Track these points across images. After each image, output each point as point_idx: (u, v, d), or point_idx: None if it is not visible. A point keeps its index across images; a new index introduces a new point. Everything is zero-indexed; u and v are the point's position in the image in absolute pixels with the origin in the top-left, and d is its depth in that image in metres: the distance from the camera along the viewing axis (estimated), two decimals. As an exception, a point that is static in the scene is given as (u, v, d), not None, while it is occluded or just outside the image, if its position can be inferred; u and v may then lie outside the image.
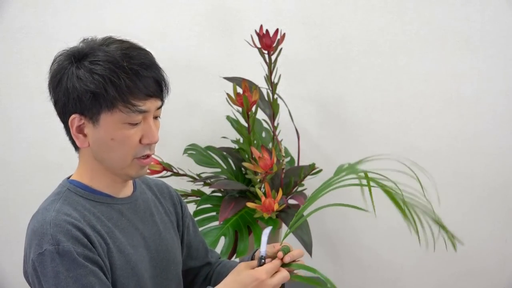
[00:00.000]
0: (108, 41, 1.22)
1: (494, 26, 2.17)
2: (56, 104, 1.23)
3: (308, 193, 2.07)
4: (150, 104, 1.21)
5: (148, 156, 1.24)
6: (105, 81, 1.16)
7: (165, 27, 2.22)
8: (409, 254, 2.35)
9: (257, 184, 1.92)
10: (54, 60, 1.23)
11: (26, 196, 2.31)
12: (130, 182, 1.32)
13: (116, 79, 1.16)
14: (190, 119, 2.29)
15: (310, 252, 1.88)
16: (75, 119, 1.20)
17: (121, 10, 2.22)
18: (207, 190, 2.04)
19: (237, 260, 1.53)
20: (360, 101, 2.25)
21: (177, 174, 1.99)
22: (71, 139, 1.26)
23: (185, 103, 2.28)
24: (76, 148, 1.27)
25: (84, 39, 1.25)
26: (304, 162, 2.07)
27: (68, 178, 1.29)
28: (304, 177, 1.95)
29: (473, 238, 2.32)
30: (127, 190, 1.31)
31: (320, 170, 1.95)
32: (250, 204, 1.82)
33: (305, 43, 2.23)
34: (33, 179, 2.31)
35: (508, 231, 2.31)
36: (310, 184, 2.09)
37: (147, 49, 1.28)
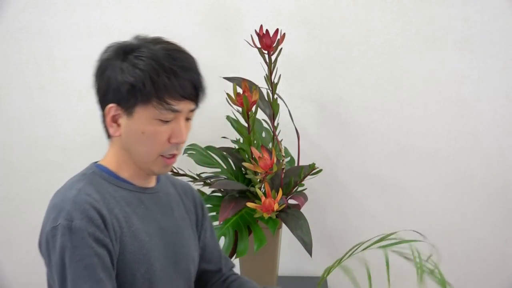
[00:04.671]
0: (157, 41, 1.29)
1: (494, 26, 2.17)
2: (97, 92, 1.29)
3: (308, 193, 2.07)
4: (184, 106, 1.26)
5: (173, 155, 1.30)
6: (144, 75, 1.21)
7: (165, 27, 2.22)
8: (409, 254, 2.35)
9: (257, 184, 1.92)
10: (106, 50, 1.29)
11: (26, 195, 2.31)
12: (154, 176, 1.37)
13: (155, 75, 1.21)
14: (190, 119, 2.29)
15: (310, 252, 1.88)
16: (111, 109, 1.26)
17: (121, 10, 2.22)
18: (207, 190, 2.04)
19: (251, 280, 1.56)
20: (360, 101, 2.25)
21: (177, 174, 1.99)
22: (105, 127, 1.31)
23: (185, 103, 2.28)
24: (108, 136, 1.32)
25: (136, 36, 1.31)
26: (304, 162, 2.07)
27: (95, 163, 1.34)
28: (304, 177, 1.95)
29: (473, 238, 2.32)
30: (150, 183, 1.36)
31: (320, 170, 1.95)
32: (250, 204, 1.82)
33: (305, 43, 2.23)
34: (33, 179, 2.32)
35: (508, 231, 2.31)
36: (310, 184, 2.09)
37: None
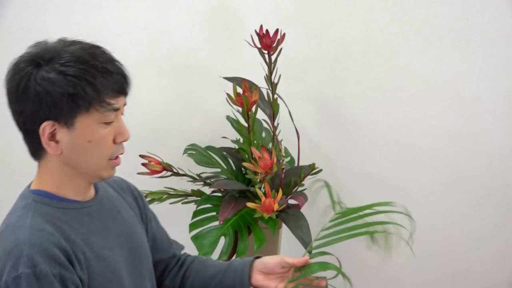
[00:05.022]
0: (67, 43, 1.20)
1: (494, 26, 2.17)
2: (21, 114, 1.17)
3: (308, 193, 2.07)
4: (121, 101, 1.21)
5: (118, 156, 1.24)
6: (81, 81, 1.14)
7: (165, 27, 2.22)
8: (409, 253, 2.35)
9: (257, 184, 1.92)
10: (11, 69, 1.18)
11: (26, 196, 2.31)
12: (92, 185, 1.30)
13: (92, 78, 1.14)
14: (190, 119, 2.29)
15: (310, 252, 1.88)
16: (47, 126, 1.15)
17: (121, 10, 2.22)
18: (207, 190, 2.04)
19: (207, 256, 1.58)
20: (360, 101, 2.25)
21: (177, 174, 1.99)
22: (34, 148, 1.21)
23: (185, 103, 2.28)
24: (38, 157, 1.22)
25: (35, 44, 1.21)
26: (304, 162, 2.07)
27: (29, 188, 1.25)
28: (304, 177, 1.95)
29: (473, 238, 2.32)
30: (91, 193, 1.29)
31: (320, 170, 1.95)
32: (250, 204, 1.82)
33: (305, 43, 2.22)
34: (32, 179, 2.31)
35: (508, 232, 2.31)
36: (310, 184, 2.09)
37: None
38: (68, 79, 1.13)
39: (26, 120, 1.17)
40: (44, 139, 1.16)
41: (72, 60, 1.15)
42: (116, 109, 1.20)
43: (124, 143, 1.25)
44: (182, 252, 1.54)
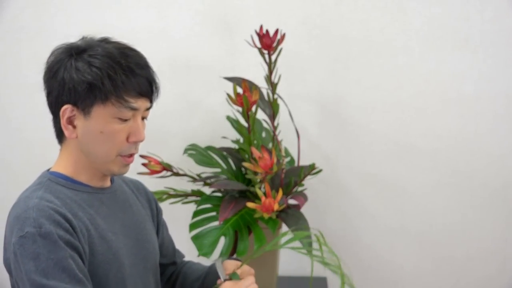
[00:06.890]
0: (106, 40, 1.29)
1: (494, 26, 2.17)
2: (49, 95, 1.28)
3: (308, 193, 2.08)
4: (141, 103, 1.26)
5: (132, 154, 1.30)
6: (102, 73, 1.21)
7: (165, 27, 2.23)
8: (409, 254, 2.35)
9: (257, 184, 1.92)
10: (52, 53, 1.29)
11: (26, 196, 2.30)
12: (109, 177, 1.36)
13: (112, 73, 1.22)
14: (190, 119, 2.29)
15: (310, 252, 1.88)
16: (67, 110, 1.24)
17: (121, 10, 2.22)
18: (207, 190, 2.04)
19: (201, 262, 1.61)
20: (360, 101, 2.25)
21: (177, 174, 1.99)
22: (58, 130, 1.30)
23: (185, 103, 2.28)
24: (61, 140, 1.31)
25: (83, 37, 1.31)
26: (304, 162, 2.07)
27: (48, 170, 1.33)
28: (304, 177, 1.95)
29: (473, 238, 2.32)
30: (106, 183, 1.35)
31: (320, 170, 1.95)
32: (250, 204, 1.82)
33: (305, 43, 2.23)
34: (33, 179, 2.31)
35: (508, 232, 2.31)
36: (310, 184, 2.09)
37: (144, 50, 1.32)
38: (91, 69, 1.22)
39: (52, 101, 1.27)
40: (63, 121, 1.25)
41: (100, 54, 1.23)
42: (134, 109, 1.25)
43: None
44: (182, 260, 1.59)
